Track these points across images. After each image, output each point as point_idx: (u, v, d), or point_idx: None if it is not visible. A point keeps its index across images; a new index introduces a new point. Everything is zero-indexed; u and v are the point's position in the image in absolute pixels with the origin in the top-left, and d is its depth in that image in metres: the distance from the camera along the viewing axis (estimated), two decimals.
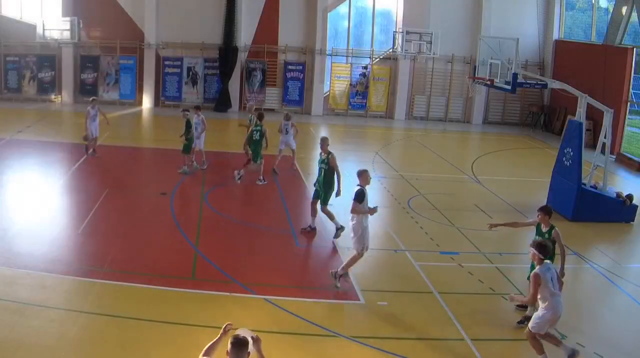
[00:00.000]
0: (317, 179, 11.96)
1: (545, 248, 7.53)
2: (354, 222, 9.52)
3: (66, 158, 16.93)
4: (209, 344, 5.12)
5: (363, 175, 9.69)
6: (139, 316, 8.16)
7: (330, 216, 11.65)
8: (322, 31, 26.56)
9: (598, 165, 14.41)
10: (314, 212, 12.00)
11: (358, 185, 9.65)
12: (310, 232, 11.93)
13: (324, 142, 11.90)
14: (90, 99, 18.00)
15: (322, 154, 11.85)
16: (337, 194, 11.66)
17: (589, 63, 23.65)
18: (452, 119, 27.85)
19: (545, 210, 8.81)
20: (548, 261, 7.61)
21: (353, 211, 9.50)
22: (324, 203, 11.74)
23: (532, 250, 7.58)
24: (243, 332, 4.86)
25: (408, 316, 8.87)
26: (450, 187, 16.12)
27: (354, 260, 9.64)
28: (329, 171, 11.64)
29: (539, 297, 7.28)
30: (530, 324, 7.46)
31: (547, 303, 7.22)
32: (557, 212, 14.30)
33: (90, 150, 16.90)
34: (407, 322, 8.71)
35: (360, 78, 27.25)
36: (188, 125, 15.54)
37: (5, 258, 9.60)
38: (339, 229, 11.50)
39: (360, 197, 9.46)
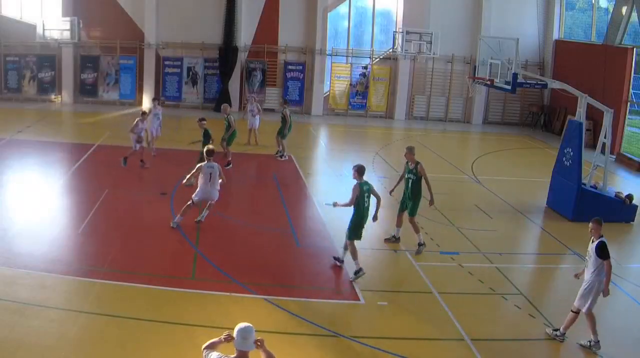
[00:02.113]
0: (404, 191, 11.40)
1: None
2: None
3: (66, 158, 16.93)
4: (210, 341, 5.19)
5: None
6: (139, 316, 8.16)
7: (416, 229, 11.25)
8: (322, 31, 26.56)
9: (598, 165, 14.42)
10: (399, 223, 11.57)
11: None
12: (395, 241, 11.65)
13: (411, 151, 11.31)
14: (153, 98, 19.33)
15: (410, 163, 11.23)
16: (430, 203, 11.19)
17: (589, 63, 23.65)
18: (452, 119, 27.85)
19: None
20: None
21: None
22: (412, 214, 11.25)
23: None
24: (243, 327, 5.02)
25: (408, 316, 8.87)
26: (450, 187, 16.11)
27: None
28: (417, 181, 11.13)
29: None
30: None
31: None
32: (557, 212, 14.40)
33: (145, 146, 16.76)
34: (407, 322, 8.71)
35: (360, 78, 27.25)
36: (206, 135, 14.34)
37: (5, 258, 9.60)
38: (422, 245, 11.20)
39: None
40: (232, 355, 5.03)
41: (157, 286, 9.10)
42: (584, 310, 8.12)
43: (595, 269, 8.02)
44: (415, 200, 11.26)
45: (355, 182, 9.94)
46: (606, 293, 8.03)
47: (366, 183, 9.97)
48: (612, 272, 8.00)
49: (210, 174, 11.40)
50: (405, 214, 11.47)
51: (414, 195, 11.26)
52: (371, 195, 10.03)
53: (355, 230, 9.99)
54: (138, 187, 14.80)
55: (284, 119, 17.70)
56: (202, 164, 11.55)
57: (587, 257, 8.29)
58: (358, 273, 9.80)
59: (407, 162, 11.35)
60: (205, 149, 11.83)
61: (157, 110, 17.30)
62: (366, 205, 9.95)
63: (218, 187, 11.62)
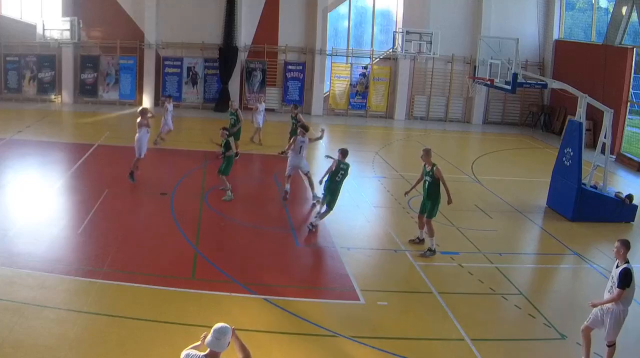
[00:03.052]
0: (422, 193, 11.46)
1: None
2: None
3: (66, 158, 16.94)
4: (193, 345, 5.30)
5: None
6: (139, 316, 8.16)
7: (431, 233, 11.15)
8: (322, 31, 26.55)
9: (598, 165, 14.42)
10: (421, 225, 11.53)
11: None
12: (419, 243, 11.62)
13: (428, 153, 11.26)
14: (167, 95, 20.26)
15: (427, 166, 11.20)
16: (449, 202, 11.11)
17: (589, 63, 23.64)
18: (452, 119, 27.85)
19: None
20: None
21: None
22: (429, 216, 11.18)
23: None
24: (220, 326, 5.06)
25: (408, 316, 8.87)
26: (450, 186, 16.03)
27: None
28: (433, 183, 11.09)
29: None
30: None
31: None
32: (557, 212, 14.40)
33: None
34: (407, 322, 8.71)
35: (360, 78, 27.24)
36: (227, 145, 14.06)
37: (5, 258, 9.60)
38: (430, 251, 11.10)
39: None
40: (203, 353, 5.06)
41: (157, 286, 9.10)
42: (607, 339, 7.54)
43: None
44: (432, 202, 11.20)
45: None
46: (595, 304, 7.62)
47: (345, 163, 11.96)
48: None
49: (301, 146, 13.82)
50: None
51: (431, 197, 11.19)
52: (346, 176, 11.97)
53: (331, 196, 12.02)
54: (138, 187, 14.79)
55: (295, 120, 17.68)
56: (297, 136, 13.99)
57: (609, 282, 7.58)
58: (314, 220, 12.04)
59: (424, 165, 11.31)
60: (301, 124, 14.75)
61: (169, 106, 18.74)
62: (338, 179, 11.93)
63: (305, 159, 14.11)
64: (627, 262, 7.36)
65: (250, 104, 26.56)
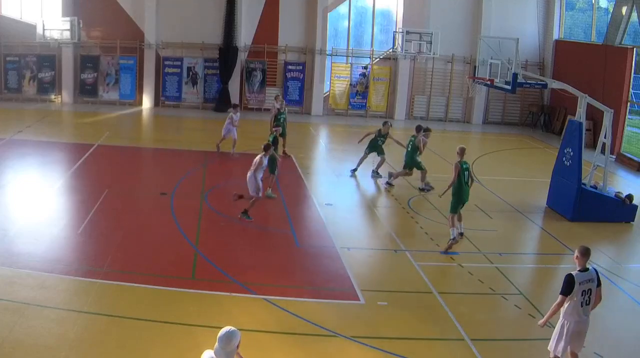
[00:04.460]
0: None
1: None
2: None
3: (66, 158, 16.93)
4: None
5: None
6: (139, 316, 8.16)
7: (452, 223, 11.58)
8: (322, 31, 26.54)
9: (598, 165, 14.41)
10: (459, 217, 11.92)
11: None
12: (460, 237, 11.87)
13: (464, 151, 11.74)
14: (233, 105, 18.73)
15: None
16: (440, 195, 12.32)
17: (589, 63, 23.64)
18: (452, 119, 27.84)
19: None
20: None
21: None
22: (450, 211, 11.72)
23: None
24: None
25: (408, 316, 8.87)
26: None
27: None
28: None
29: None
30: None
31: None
32: (557, 212, 14.40)
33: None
34: (407, 322, 8.71)
35: (360, 78, 27.23)
36: (275, 141, 14.63)
37: (5, 258, 9.60)
38: (453, 240, 11.49)
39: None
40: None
41: (157, 286, 9.10)
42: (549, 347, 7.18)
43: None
44: (453, 197, 11.70)
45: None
46: (542, 324, 7.26)
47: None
48: (611, 272, 7.65)
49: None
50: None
51: (453, 194, 11.72)
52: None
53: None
54: (138, 187, 14.80)
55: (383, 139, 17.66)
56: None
57: None
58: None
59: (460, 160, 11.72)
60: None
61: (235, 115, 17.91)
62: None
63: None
64: (586, 270, 7.06)
65: (251, 104, 26.64)
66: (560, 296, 6.99)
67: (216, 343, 5.09)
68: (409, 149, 15.55)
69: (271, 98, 26.74)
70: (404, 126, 26.33)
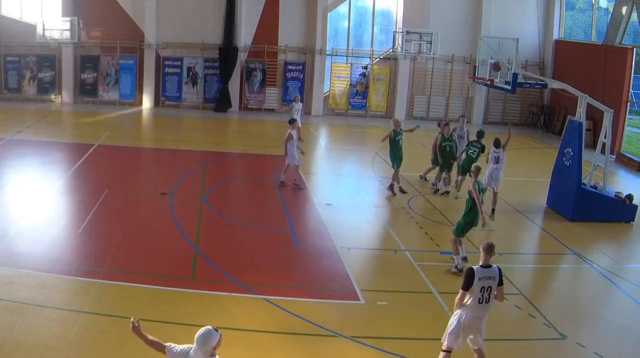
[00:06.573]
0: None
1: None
2: None
3: (66, 158, 16.93)
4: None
5: None
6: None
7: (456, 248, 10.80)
8: (322, 31, 26.55)
9: (598, 165, 14.41)
10: (461, 241, 11.21)
11: None
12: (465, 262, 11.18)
13: (479, 170, 10.84)
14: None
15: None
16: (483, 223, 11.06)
17: (589, 63, 23.64)
18: (452, 119, 27.76)
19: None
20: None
21: None
22: (459, 234, 10.95)
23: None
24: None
25: (408, 316, 8.87)
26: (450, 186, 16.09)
27: None
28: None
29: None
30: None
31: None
32: (557, 212, 14.40)
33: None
34: (407, 322, 8.71)
35: (360, 78, 27.24)
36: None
37: (5, 258, 9.60)
38: (460, 271, 10.27)
39: None
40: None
41: (157, 286, 9.10)
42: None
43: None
44: (463, 218, 10.99)
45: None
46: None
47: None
48: (611, 272, 7.69)
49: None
50: None
51: (465, 214, 10.96)
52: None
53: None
54: (138, 187, 14.81)
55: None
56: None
57: None
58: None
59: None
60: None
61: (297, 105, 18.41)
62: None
63: None
64: (489, 266, 7.07)
65: (251, 104, 26.65)
66: (460, 291, 6.96)
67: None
68: (474, 157, 14.44)
69: (271, 98, 26.87)
70: (404, 126, 26.30)
